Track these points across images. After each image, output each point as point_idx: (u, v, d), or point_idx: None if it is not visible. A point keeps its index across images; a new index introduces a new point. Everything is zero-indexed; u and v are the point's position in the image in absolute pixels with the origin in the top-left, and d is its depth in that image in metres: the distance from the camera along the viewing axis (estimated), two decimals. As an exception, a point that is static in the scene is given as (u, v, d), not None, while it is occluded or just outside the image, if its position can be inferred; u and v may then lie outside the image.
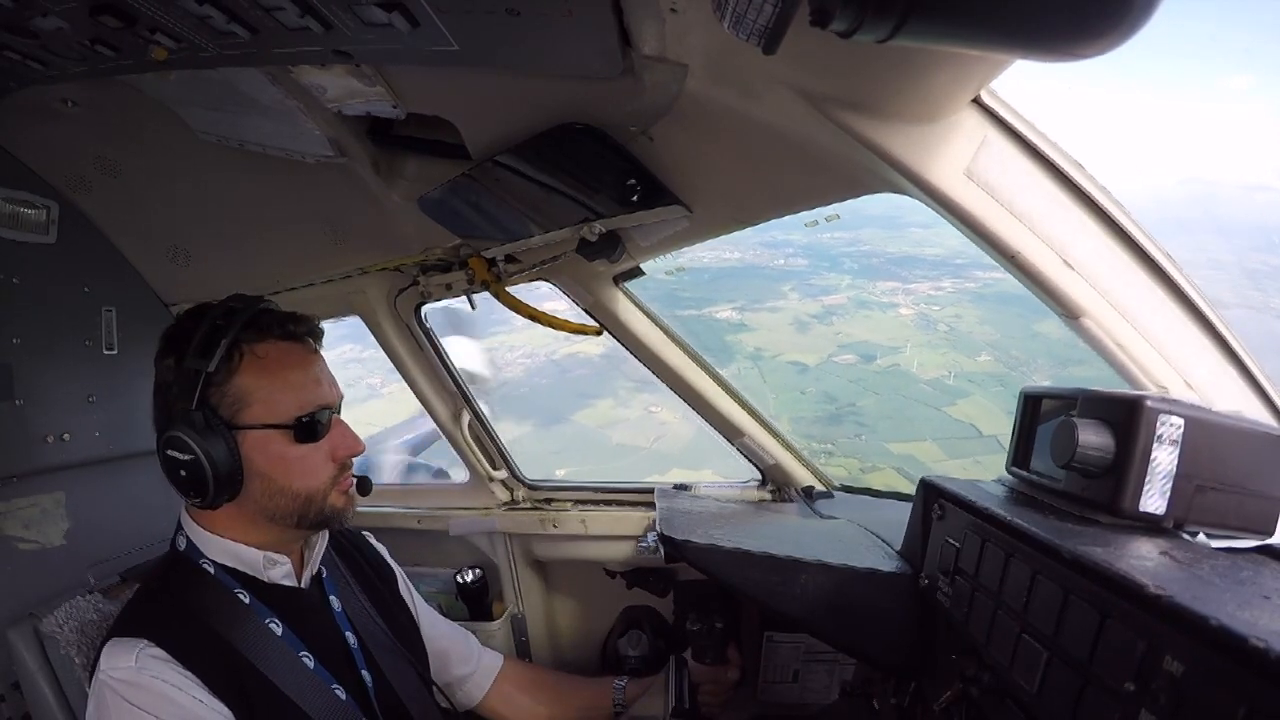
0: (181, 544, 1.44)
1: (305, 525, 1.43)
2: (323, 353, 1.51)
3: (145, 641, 1.26)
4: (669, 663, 1.80)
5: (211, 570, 1.40)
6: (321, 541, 1.56)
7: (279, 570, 1.46)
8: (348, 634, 1.53)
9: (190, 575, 1.40)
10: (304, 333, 1.45)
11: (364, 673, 1.50)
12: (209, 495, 1.33)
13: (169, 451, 1.32)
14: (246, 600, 1.39)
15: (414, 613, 1.81)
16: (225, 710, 1.25)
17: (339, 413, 1.49)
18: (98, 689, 1.25)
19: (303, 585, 1.50)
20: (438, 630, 1.86)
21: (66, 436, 1.93)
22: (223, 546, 1.42)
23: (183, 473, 1.32)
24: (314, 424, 1.39)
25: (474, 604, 2.62)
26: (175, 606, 1.35)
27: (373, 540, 1.88)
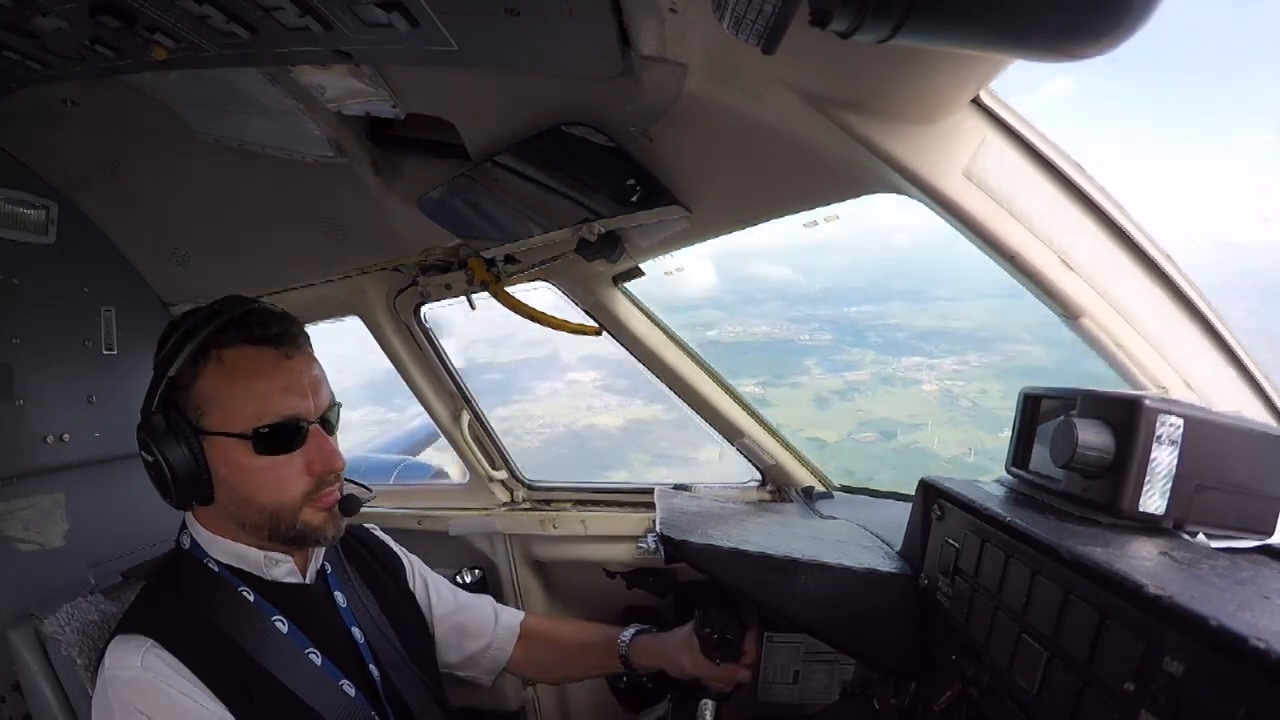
0: (186, 543, 1.44)
1: (278, 539, 1.39)
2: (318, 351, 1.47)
3: (151, 641, 1.26)
4: (699, 706, 1.78)
5: (216, 569, 1.40)
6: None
7: (281, 569, 1.45)
8: (354, 630, 1.52)
9: (195, 574, 1.40)
10: (273, 336, 1.37)
11: (371, 668, 1.50)
12: (173, 497, 1.35)
13: (140, 451, 1.34)
14: (251, 599, 1.39)
15: (425, 603, 1.80)
16: (227, 715, 1.25)
17: (334, 423, 1.45)
18: (102, 686, 1.25)
19: (308, 581, 1.50)
20: (452, 606, 1.85)
21: (66, 437, 1.93)
22: (225, 547, 1.41)
23: (151, 472, 1.34)
24: (276, 435, 1.33)
25: (474, 604, 2.62)
26: (180, 605, 1.35)
27: (379, 533, 1.86)
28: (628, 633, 1.84)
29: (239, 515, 1.37)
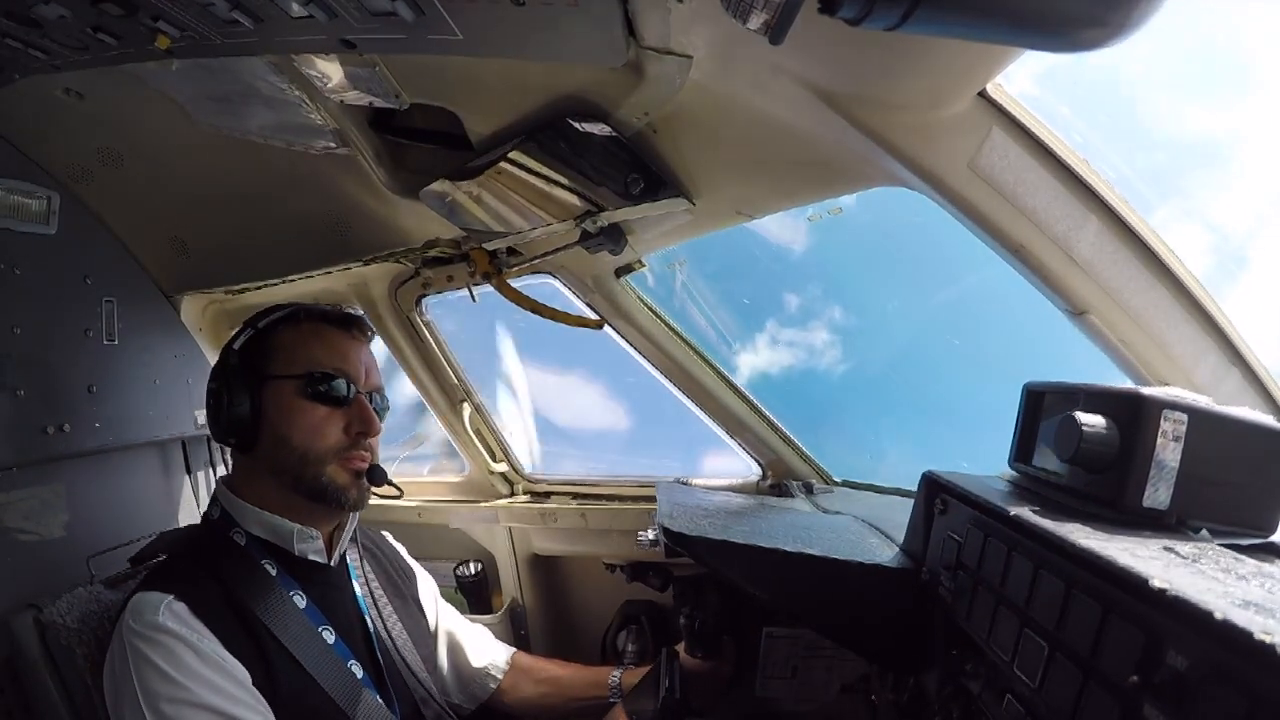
0: (215, 513, 1.51)
1: (303, 490, 1.47)
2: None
3: (171, 597, 1.30)
4: (660, 654, 1.80)
5: (242, 541, 1.46)
6: (351, 523, 1.62)
7: (310, 545, 1.51)
8: (366, 617, 1.59)
9: (219, 544, 1.46)
10: (345, 320, 1.61)
11: (379, 655, 1.55)
12: (221, 425, 1.48)
13: (209, 382, 1.52)
14: (273, 572, 1.45)
15: (433, 614, 1.87)
16: (243, 670, 1.29)
17: (380, 409, 1.59)
18: (120, 640, 1.28)
19: (331, 563, 1.56)
20: (456, 623, 1.93)
21: (66, 428, 1.93)
22: (257, 517, 1.48)
23: (211, 401, 1.50)
24: (325, 386, 1.49)
25: (474, 597, 2.62)
26: (202, 571, 1.40)
27: (391, 540, 1.96)
28: (617, 671, 1.92)
29: (273, 457, 1.47)
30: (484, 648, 1.94)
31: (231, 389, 1.47)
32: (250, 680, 1.29)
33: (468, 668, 1.88)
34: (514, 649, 2.01)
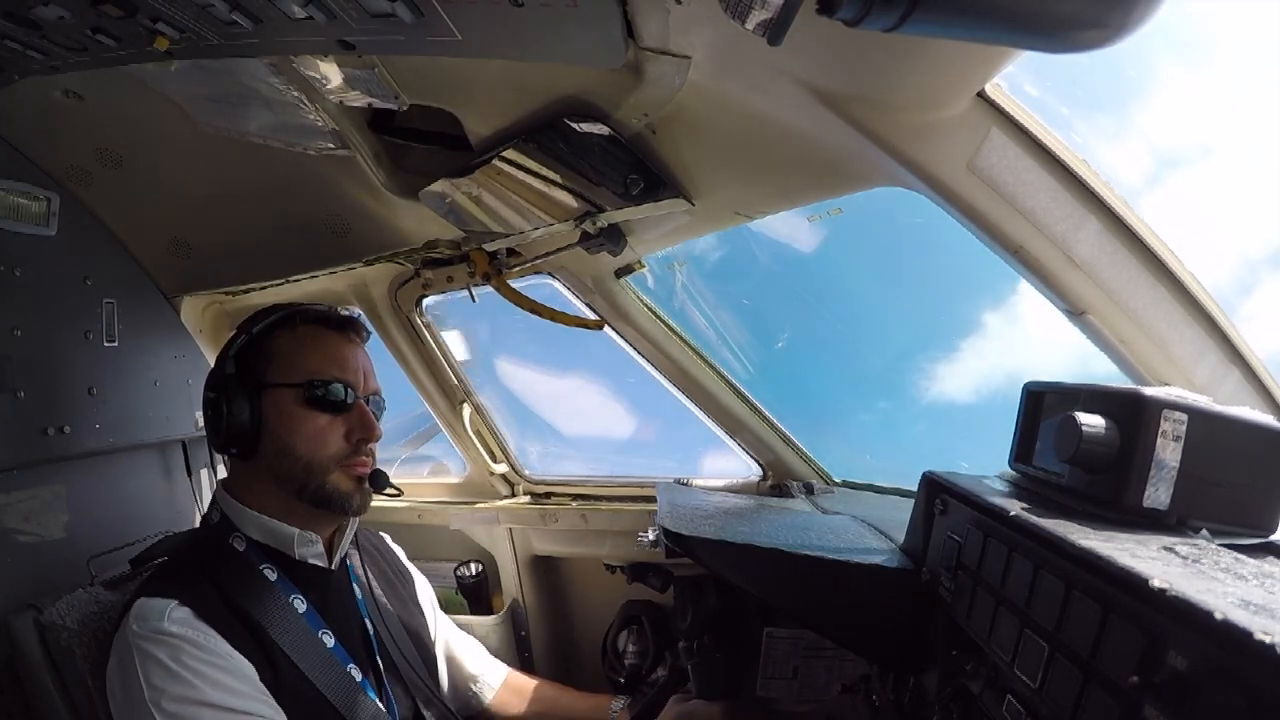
0: (215, 517, 1.51)
1: (307, 497, 1.47)
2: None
3: (175, 602, 1.30)
4: (661, 686, 1.82)
5: (241, 547, 1.46)
6: (351, 526, 1.62)
7: (311, 549, 1.51)
8: (367, 621, 1.59)
9: (218, 550, 1.46)
10: (341, 323, 1.60)
11: (379, 660, 1.55)
12: (221, 435, 1.47)
13: (205, 390, 1.52)
14: (273, 577, 1.44)
15: (432, 620, 1.87)
16: (249, 666, 1.29)
17: (376, 411, 1.59)
18: (124, 645, 1.28)
19: (332, 567, 1.56)
20: (453, 632, 1.94)
21: (66, 429, 1.92)
22: (258, 522, 1.48)
23: (209, 411, 1.49)
24: (325, 393, 1.48)
25: (474, 598, 2.62)
26: (202, 576, 1.39)
27: (390, 541, 1.96)
28: (619, 701, 1.91)
29: (276, 466, 1.46)
30: (477, 659, 1.95)
31: (230, 398, 1.46)
32: (257, 676, 1.29)
33: (460, 676, 1.89)
34: (508, 668, 2.01)
